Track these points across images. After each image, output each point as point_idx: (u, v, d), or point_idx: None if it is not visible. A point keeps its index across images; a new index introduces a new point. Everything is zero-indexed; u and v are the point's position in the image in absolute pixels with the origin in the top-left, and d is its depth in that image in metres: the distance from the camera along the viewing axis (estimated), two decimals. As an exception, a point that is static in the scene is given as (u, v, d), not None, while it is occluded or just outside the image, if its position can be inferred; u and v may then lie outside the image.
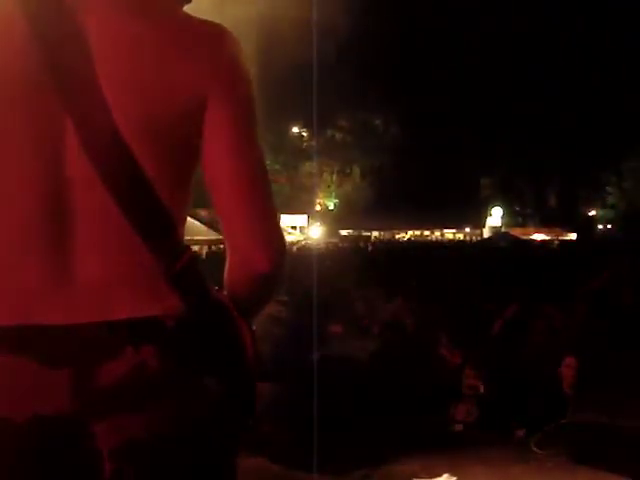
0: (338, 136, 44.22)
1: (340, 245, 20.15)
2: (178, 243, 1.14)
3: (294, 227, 40.49)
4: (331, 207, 45.01)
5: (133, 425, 1.05)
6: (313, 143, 43.32)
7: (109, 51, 1.09)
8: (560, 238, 35.85)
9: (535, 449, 4.02)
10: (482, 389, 4.65)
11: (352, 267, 9.06)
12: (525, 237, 34.51)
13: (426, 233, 46.80)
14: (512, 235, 33.79)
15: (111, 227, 1.09)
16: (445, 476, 3.56)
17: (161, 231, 1.12)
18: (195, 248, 13.06)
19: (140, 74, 1.10)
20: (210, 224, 15.55)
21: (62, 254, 1.07)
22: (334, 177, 45.34)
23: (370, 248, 20.63)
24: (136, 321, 1.07)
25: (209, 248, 16.17)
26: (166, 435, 1.07)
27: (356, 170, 45.92)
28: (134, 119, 1.08)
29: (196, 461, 1.09)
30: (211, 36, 1.17)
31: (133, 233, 1.08)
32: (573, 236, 39.17)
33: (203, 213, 15.54)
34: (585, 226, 41.76)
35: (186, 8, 1.25)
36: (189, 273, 1.13)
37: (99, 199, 1.07)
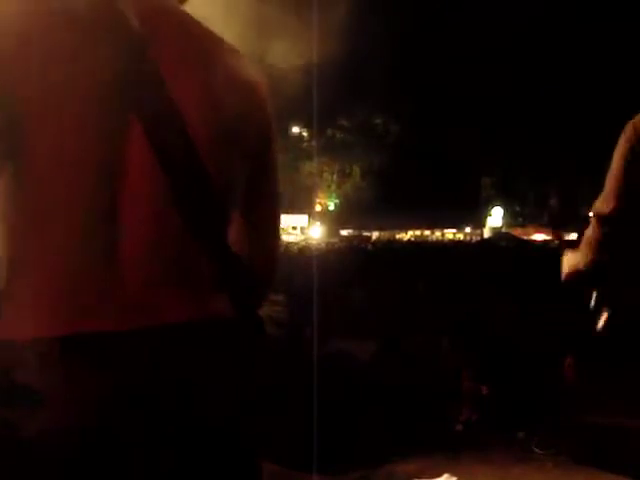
0: (338, 136, 44.21)
1: (337, 246, 20.09)
2: (228, 247, 1.15)
3: (294, 227, 40.51)
4: (331, 207, 45.01)
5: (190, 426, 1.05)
6: (313, 143, 43.32)
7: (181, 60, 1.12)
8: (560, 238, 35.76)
9: (535, 449, 4.02)
10: (484, 390, 4.65)
11: (353, 267, 9.05)
12: (526, 237, 34.50)
13: (426, 233, 46.77)
14: (512, 235, 33.77)
15: (164, 229, 1.08)
16: (445, 476, 3.57)
17: (214, 233, 1.13)
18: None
19: (211, 77, 1.13)
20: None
21: (113, 257, 1.04)
22: (334, 177, 45.33)
23: (370, 247, 20.58)
24: (185, 325, 1.07)
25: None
26: (220, 444, 1.09)
27: (356, 170, 45.91)
28: (202, 121, 1.10)
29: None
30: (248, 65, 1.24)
31: (186, 234, 1.08)
32: (574, 236, 39.12)
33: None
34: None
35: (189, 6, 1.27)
36: (236, 278, 1.16)
37: (155, 197, 1.07)
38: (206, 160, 1.10)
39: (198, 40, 1.17)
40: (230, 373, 1.11)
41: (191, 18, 1.18)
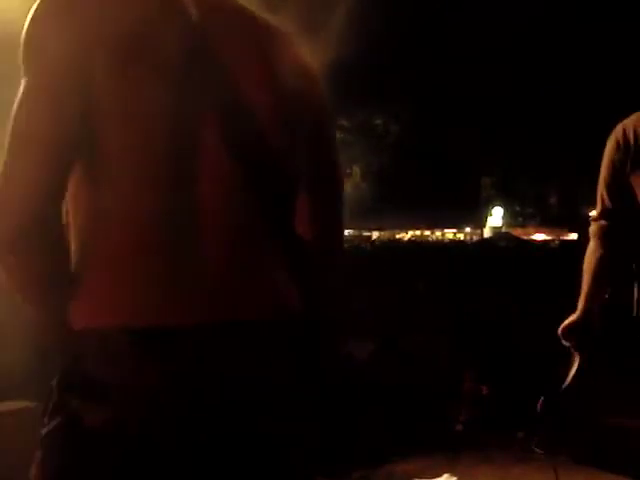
0: (338, 136, 44.17)
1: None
2: (297, 236, 1.17)
3: (295, 227, 40.54)
4: (332, 207, 45.07)
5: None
6: (314, 143, 43.34)
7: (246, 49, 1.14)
8: (560, 238, 35.82)
9: (535, 449, 4.02)
10: (484, 390, 4.65)
11: (352, 266, 9.04)
12: (526, 237, 34.49)
13: (426, 233, 46.75)
14: (513, 235, 33.77)
15: (239, 220, 1.08)
16: (445, 476, 3.56)
17: (284, 221, 1.14)
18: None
19: (272, 67, 1.16)
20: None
21: (190, 251, 1.04)
22: (334, 177, 45.41)
23: (368, 247, 20.56)
24: (262, 321, 1.07)
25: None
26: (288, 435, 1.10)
27: (356, 170, 45.90)
28: (267, 106, 1.12)
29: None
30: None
31: (259, 225, 1.09)
32: (574, 236, 39.14)
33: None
34: (585, 226, 41.66)
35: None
36: (305, 267, 1.15)
37: (231, 188, 1.07)
38: (274, 145, 1.12)
39: (256, 28, 1.19)
40: (291, 379, 1.10)
41: (244, 6, 1.20)
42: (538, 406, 2.24)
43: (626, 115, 2.34)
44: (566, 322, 2.22)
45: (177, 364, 0.99)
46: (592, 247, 2.21)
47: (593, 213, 2.22)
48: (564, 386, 2.26)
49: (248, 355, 1.04)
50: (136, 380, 0.98)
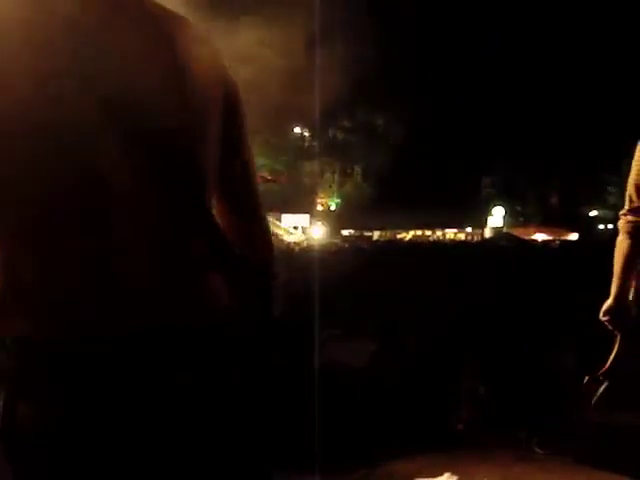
0: (340, 136, 44.21)
1: (332, 249, 20.05)
2: (216, 224, 1.15)
3: (296, 227, 40.48)
4: (333, 207, 44.99)
5: None
6: (315, 143, 43.31)
7: (146, 55, 1.11)
8: (561, 238, 35.81)
9: (536, 449, 4.02)
10: (484, 390, 4.65)
11: (353, 266, 9.04)
12: (526, 237, 34.49)
13: (427, 233, 46.74)
14: (513, 235, 33.76)
15: (155, 227, 1.06)
16: (445, 476, 3.56)
17: (201, 211, 1.13)
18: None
19: (177, 72, 1.12)
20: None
21: (108, 263, 1.03)
22: (336, 177, 45.33)
23: (367, 247, 20.53)
24: (182, 327, 1.06)
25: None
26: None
27: (358, 170, 45.92)
28: (175, 115, 1.10)
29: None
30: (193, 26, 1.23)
31: (174, 220, 1.08)
32: (574, 236, 39.13)
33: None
34: (586, 226, 41.75)
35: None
36: (228, 255, 1.15)
37: (145, 195, 1.05)
38: (184, 145, 1.10)
39: (155, 21, 1.15)
40: (214, 384, 1.10)
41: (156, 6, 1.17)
42: (584, 385, 2.46)
43: (626, 115, 2.45)
44: (603, 306, 2.48)
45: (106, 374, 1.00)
46: (620, 240, 2.49)
47: (624, 210, 2.54)
48: (607, 366, 2.44)
49: (175, 360, 1.04)
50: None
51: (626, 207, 2.52)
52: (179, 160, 1.10)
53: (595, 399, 2.48)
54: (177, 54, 1.13)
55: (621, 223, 2.53)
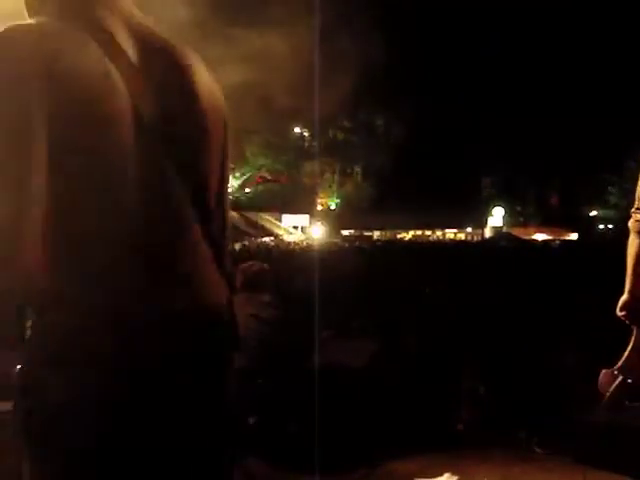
0: (340, 136, 44.21)
1: (332, 249, 20.01)
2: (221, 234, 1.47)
3: (296, 227, 40.49)
4: (333, 207, 45.00)
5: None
6: (315, 143, 43.32)
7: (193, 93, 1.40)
8: (561, 238, 35.82)
9: (536, 449, 4.02)
10: (482, 390, 4.65)
11: (351, 268, 9.04)
12: (526, 237, 34.50)
13: (427, 233, 46.75)
14: (513, 235, 33.78)
15: (190, 230, 1.37)
16: (445, 476, 3.56)
17: (223, 240, 1.46)
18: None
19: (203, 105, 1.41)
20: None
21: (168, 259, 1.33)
22: (336, 177, 45.33)
23: (367, 247, 20.51)
24: (214, 305, 1.39)
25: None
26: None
27: (358, 170, 45.94)
28: (202, 144, 1.40)
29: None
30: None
31: (206, 243, 1.39)
32: (574, 236, 39.15)
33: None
34: (586, 226, 41.77)
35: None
36: (231, 273, 1.50)
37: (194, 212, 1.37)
38: (206, 166, 1.40)
39: (179, 56, 1.40)
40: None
41: (166, 39, 1.41)
42: (600, 379, 2.48)
43: (626, 115, 2.46)
44: (620, 301, 2.53)
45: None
46: (631, 239, 2.55)
47: (633, 209, 2.56)
48: (622, 361, 2.45)
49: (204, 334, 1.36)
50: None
51: (636, 205, 2.53)
52: (205, 184, 1.40)
53: (609, 394, 2.49)
54: (197, 83, 1.40)
55: (631, 222, 2.56)
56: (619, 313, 2.54)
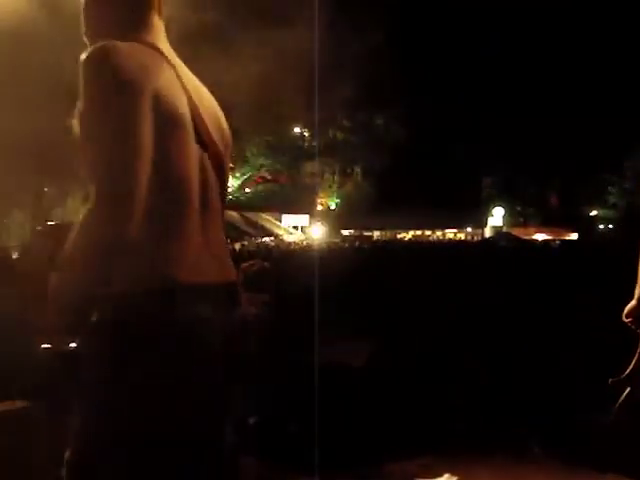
0: (340, 136, 44.17)
1: (332, 249, 19.98)
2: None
3: (296, 227, 40.47)
4: (333, 207, 44.97)
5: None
6: (314, 143, 43.29)
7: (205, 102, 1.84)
8: (561, 238, 35.80)
9: (536, 449, 4.02)
10: (482, 390, 4.65)
11: (351, 268, 9.04)
12: (526, 237, 34.48)
13: (427, 233, 46.71)
14: (513, 235, 33.75)
15: (221, 220, 1.82)
16: (445, 476, 3.57)
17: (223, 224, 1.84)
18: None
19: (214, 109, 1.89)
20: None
21: (206, 235, 1.72)
22: (336, 177, 45.30)
23: (367, 247, 20.48)
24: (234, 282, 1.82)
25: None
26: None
27: (357, 170, 45.91)
28: (225, 142, 1.86)
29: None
30: None
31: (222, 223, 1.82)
32: (574, 236, 39.13)
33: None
34: (586, 226, 41.74)
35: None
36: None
37: (220, 202, 1.82)
38: (226, 161, 1.84)
39: (208, 94, 1.87)
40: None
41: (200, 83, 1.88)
42: (608, 387, 2.46)
43: (626, 115, 2.43)
44: (626, 308, 2.50)
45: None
46: None
47: None
48: (630, 368, 2.42)
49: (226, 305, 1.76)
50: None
51: None
52: (227, 181, 1.86)
53: (618, 404, 2.46)
54: (216, 103, 1.89)
55: None
56: (626, 319, 2.50)
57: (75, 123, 1.62)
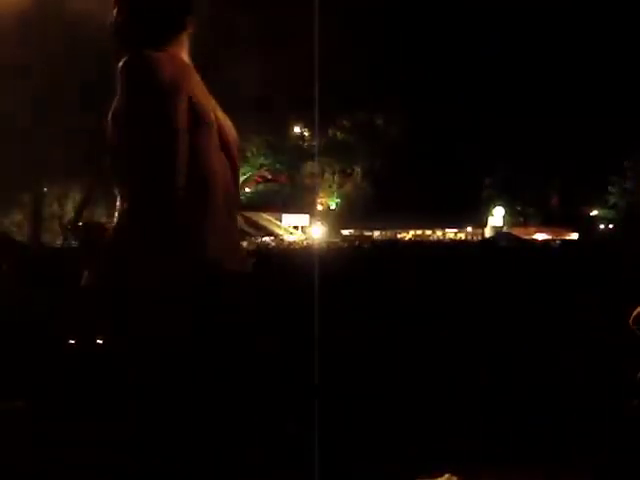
0: (340, 136, 44.16)
1: (332, 248, 19.98)
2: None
3: (296, 227, 40.49)
4: (333, 207, 44.98)
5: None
6: (314, 143, 43.29)
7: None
8: (561, 238, 35.80)
9: (535, 449, 4.02)
10: (480, 391, 4.65)
11: (351, 268, 9.05)
12: (526, 237, 34.48)
13: (427, 233, 46.72)
14: (513, 235, 33.76)
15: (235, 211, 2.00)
16: (446, 476, 3.56)
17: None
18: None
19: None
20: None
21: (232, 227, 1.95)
22: (336, 177, 45.31)
23: (367, 247, 20.48)
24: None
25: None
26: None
27: (357, 170, 45.91)
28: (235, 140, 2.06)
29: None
30: None
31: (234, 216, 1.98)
32: (574, 236, 39.14)
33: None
34: (586, 226, 41.74)
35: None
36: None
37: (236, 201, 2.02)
38: (237, 162, 2.02)
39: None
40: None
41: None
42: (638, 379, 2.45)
43: (626, 115, 2.40)
44: (633, 314, 2.42)
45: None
46: None
47: None
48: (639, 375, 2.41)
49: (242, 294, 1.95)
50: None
51: None
52: (239, 179, 2.04)
53: (628, 408, 2.45)
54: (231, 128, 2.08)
55: None
56: (632, 326, 2.47)
57: (109, 123, 1.75)
